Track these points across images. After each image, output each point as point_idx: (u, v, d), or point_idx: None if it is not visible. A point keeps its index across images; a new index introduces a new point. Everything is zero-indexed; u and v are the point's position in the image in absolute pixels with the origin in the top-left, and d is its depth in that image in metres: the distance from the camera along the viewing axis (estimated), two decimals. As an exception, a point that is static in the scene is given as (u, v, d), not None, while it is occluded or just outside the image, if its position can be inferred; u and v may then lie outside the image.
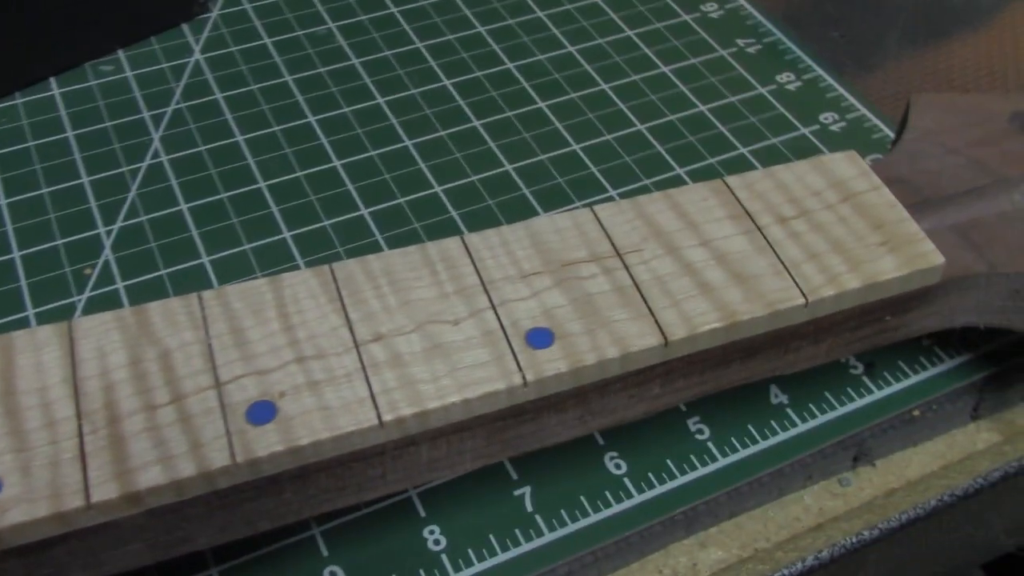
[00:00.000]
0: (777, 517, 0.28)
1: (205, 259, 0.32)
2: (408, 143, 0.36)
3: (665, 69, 0.40)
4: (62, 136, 0.36)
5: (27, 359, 0.22)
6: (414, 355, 0.22)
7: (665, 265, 0.25)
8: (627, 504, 0.27)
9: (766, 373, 0.26)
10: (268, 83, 0.38)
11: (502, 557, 0.26)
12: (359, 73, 0.39)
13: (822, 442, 0.29)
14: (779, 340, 0.26)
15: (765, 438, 0.29)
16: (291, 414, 0.21)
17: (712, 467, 0.28)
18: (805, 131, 0.37)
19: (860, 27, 0.44)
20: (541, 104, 0.38)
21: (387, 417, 0.21)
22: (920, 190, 0.28)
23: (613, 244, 0.25)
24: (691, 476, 0.28)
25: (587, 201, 0.34)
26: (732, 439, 0.28)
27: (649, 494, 0.27)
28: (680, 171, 0.36)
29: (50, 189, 0.34)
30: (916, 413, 0.30)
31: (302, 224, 0.33)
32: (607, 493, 0.27)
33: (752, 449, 0.28)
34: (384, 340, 0.23)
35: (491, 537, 0.26)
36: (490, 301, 0.23)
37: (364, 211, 0.34)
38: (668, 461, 0.28)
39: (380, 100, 0.38)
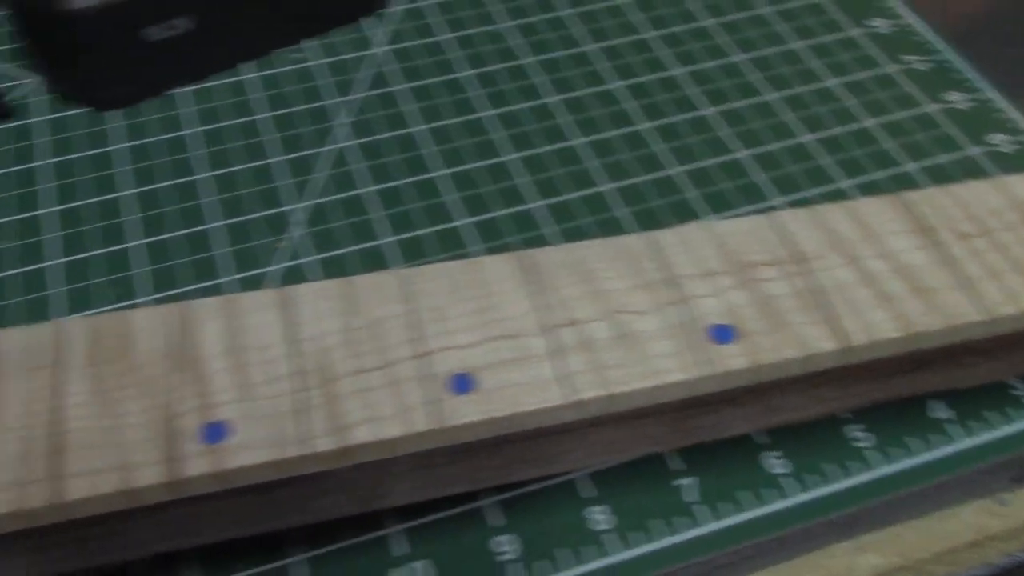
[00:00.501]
0: (935, 530, 0.28)
1: (386, 240, 0.34)
2: (579, 141, 0.37)
3: (831, 82, 0.40)
4: (254, 118, 0.38)
5: (254, 319, 0.24)
6: (603, 342, 0.24)
7: (846, 274, 0.25)
8: (787, 503, 0.28)
9: (938, 386, 0.27)
10: (446, 77, 0.40)
11: (664, 542, 0.27)
12: (533, 71, 0.40)
13: (982, 460, 0.29)
14: (953, 355, 0.26)
15: (926, 451, 0.29)
16: (489, 387, 0.23)
17: (871, 475, 0.28)
18: (973, 151, 0.37)
19: (1031, 50, 0.43)
20: (709, 111, 0.39)
21: (575, 398, 0.23)
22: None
23: (795, 250, 0.26)
24: (850, 482, 0.28)
25: (755, 208, 0.35)
26: (893, 449, 0.29)
27: (809, 495, 0.28)
28: (846, 184, 0.36)
29: (243, 167, 0.36)
30: (1081, 439, 0.30)
31: (477, 212, 0.35)
32: (767, 490, 0.28)
33: (912, 461, 0.29)
34: (575, 326, 0.24)
35: (654, 522, 0.27)
36: (676, 296, 0.25)
37: (534, 204, 0.35)
38: (828, 465, 0.28)
39: (551, 99, 0.39)
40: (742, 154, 0.37)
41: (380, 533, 0.27)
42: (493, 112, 0.38)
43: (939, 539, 0.28)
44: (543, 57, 0.41)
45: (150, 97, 0.39)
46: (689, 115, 0.39)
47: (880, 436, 0.29)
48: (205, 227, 0.34)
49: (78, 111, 0.38)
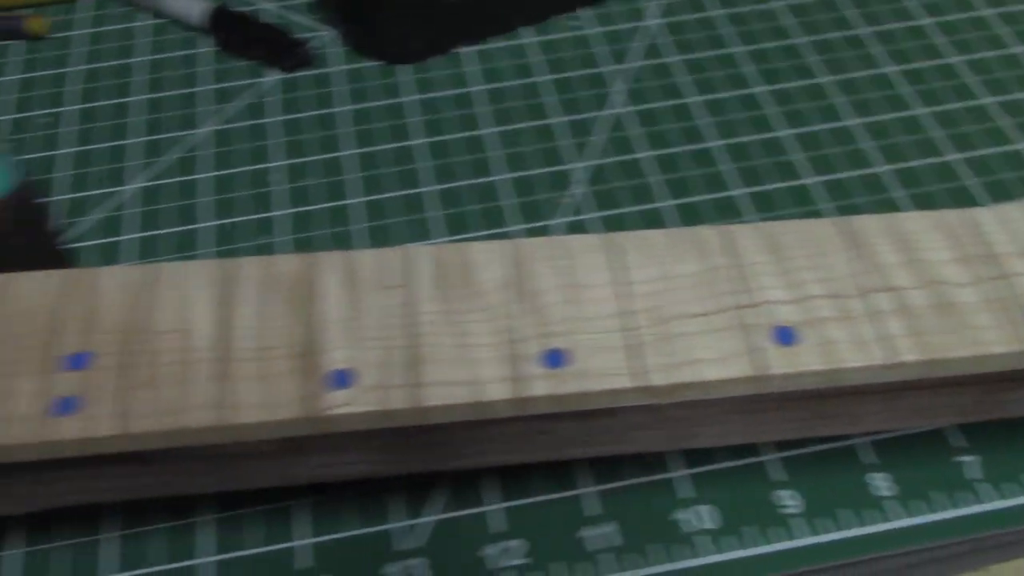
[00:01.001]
0: None
1: (664, 204, 0.35)
2: (853, 122, 0.38)
3: (1114, 80, 0.39)
4: (534, 80, 0.40)
5: (584, 260, 0.25)
6: (921, 309, 0.24)
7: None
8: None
9: None
10: (718, 52, 0.41)
11: (946, 514, 0.27)
12: (806, 51, 0.41)
13: None
14: None
15: None
16: (810, 342, 0.24)
17: None
18: None
19: None
20: (921, 111, 0.39)
21: (897, 360, 0.24)
22: None
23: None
24: None
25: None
26: None
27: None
28: None
29: (526, 125, 0.38)
30: None
31: (751, 184, 0.36)
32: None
33: None
34: (894, 291, 0.25)
35: (936, 494, 0.28)
36: (996, 272, 0.25)
37: (809, 180, 0.36)
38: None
39: (824, 79, 0.40)
40: (956, 157, 0.37)
41: (667, 475, 0.28)
42: (766, 88, 0.39)
43: None
44: (816, 38, 0.41)
45: (437, 54, 0.41)
46: (901, 114, 0.38)
47: None
48: (492, 179, 0.36)
49: (371, 63, 0.41)
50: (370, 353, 0.24)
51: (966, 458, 0.28)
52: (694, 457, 0.29)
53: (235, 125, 0.38)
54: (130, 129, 0.39)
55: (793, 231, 0.26)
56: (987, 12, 0.42)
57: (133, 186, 0.36)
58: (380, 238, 0.34)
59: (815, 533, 0.27)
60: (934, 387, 0.25)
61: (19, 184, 0.30)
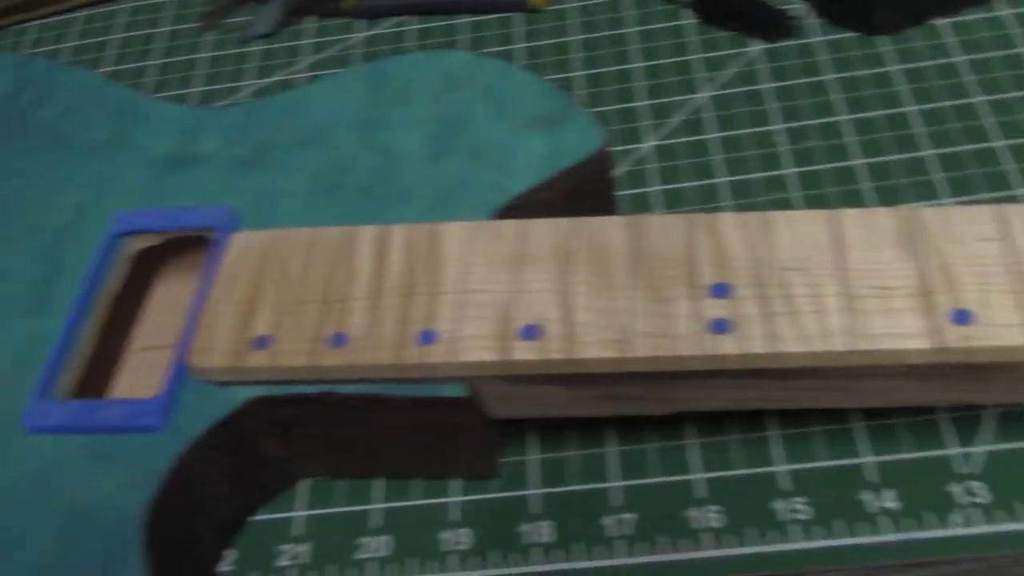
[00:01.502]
0: None
1: None
2: None
3: None
4: (1018, 51, 0.42)
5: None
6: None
7: None
8: None
9: None
10: None
11: None
12: None
13: None
14: None
15: None
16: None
17: None
18: None
19: None
20: None
21: None
22: None
23: None
24: None
25: None
26: None
27: None
28: None
29: (1018, 94, 0.40)
30: None
31: None
32: None
33: None
34: None
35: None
36: None
37: None
38: None
39: None
40: None
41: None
42: None
43: None
44: None
45: (911, 25, 0.44)
46: None
47: None
48: (991, 144, 0.38)
49: (849, 34, 0.44)
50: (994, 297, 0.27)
51: None
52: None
53: (729, 91, 0.42)
54: (636, 93, 0.43)
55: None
56: None
57: (648, 144, 0.41)
58: (887, 198, 0.37)
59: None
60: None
61: (604, 141, 0.35)
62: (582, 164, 0.34)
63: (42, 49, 0.51)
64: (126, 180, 0.37)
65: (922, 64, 0.42)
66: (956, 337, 0.26)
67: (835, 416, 0.32)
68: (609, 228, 0.31)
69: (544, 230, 0.31)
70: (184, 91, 0.48)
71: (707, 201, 0.39)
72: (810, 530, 0.30)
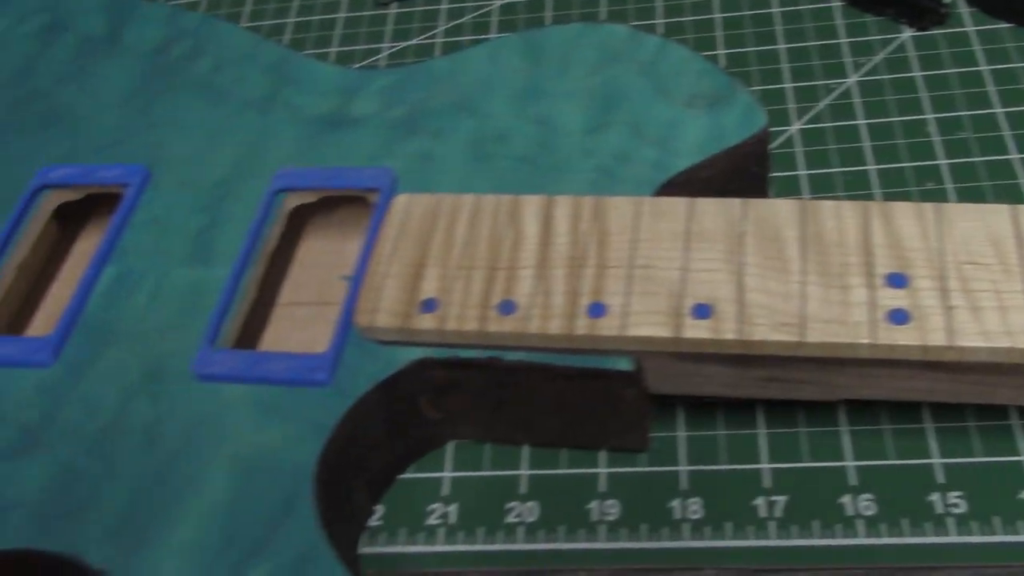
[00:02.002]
0: None
1: None
2: None
3: None
4: None
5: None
6: None
7: None
8: None
9: None
10: None
11: None
12: None
13: None
14: None
15: None
16: None
17: None
18: None
19: None
20: None
21: None
22: None
23: None
24: None
25: None
26: None
27: None
28: None
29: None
30: None
31: None
32: None
33: None
34: None
35: None
36: None
37: None
38: None
39: None
40: None
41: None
42: None
43: None
44: None
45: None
46: None
47: None
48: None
49: (1003, 25, 0.43)
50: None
51: None
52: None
53: (876, 77, 0.42)
54: (781, 75, 0.43)
55: None
56: None
57: (794, 127, 0.41)
58: (1042, 194, 0.37)
59: None
60: None
61: (767, 123, 0.34)
62: (743, 144, 0.34)
63: (181, 1, 0.52)
64: (282, 137, 0.37)
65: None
66: None
67: (994, 412, 0.32)
68: (780, 211, 0.30)
69: (712, 209, 0.31)
70: (320, 51, 0.48)
71: (856, 188, 0.38)
72: (967, 525, 0.30)
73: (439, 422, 0.33)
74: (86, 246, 0.40)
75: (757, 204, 0.31)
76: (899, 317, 0.28)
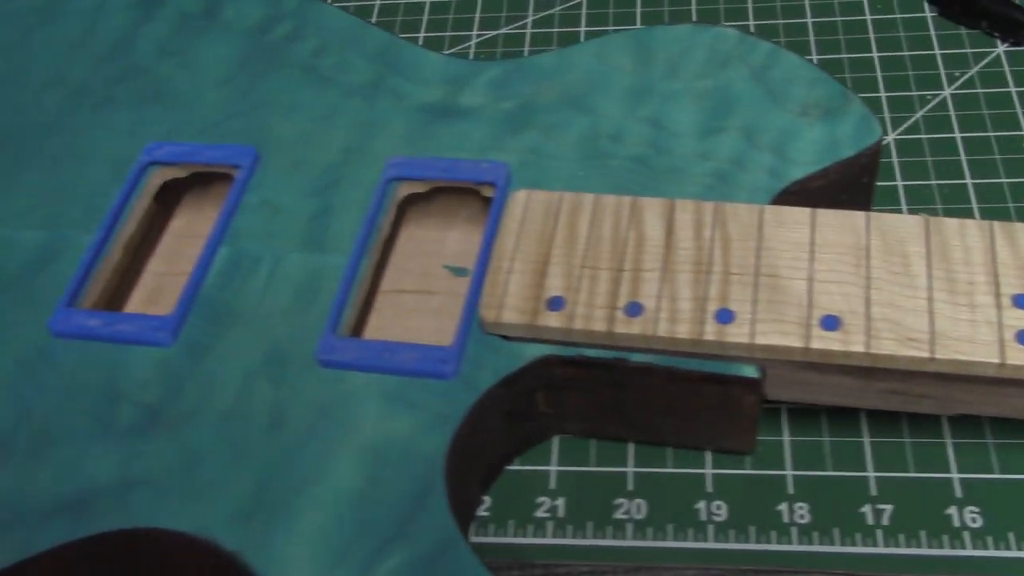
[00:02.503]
0: None
1: None
2: None
3: None
4: None
5: None
6: None
7: None
8: None
9: None
10: None
11: None
12: None
13: None
14: None
15: None
16: None
17: None
18: None
19: None
20: None
21: None
22: None
23: None
24: None
25: None
26: None
27: None
28: None
29: None
30: None
31: None
32: None
33: None
34: None
35: None
36: None
37: None
38: None
39: None
40: None
41: None
42: None
43: None
44: None
45: None
46: None
47: None
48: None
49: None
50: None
51: None
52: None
53: (970, 91, 0.42)
54: (874, 84, 0.43)
55: None
56: None
57: (891, 137, 0.41)
58: None
59: None
60: None
61: (881, 135, 0.35)
62: (858, 156, 0.34)
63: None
64: (390, 125, 0.38)
65: None
66: None
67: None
68: (904, 226, 0.31)
69: (835, 221, 0.31)
70: (407, 36, 0.48)
71: (954, 202, 0.39)
72: (1072, 541, 0.31)
73: (549, 416, 0.33)
74: (179, 224, 0.41)
75: (880, 218, 0.31)
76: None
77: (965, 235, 0.30)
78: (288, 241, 0.35)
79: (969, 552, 0.31)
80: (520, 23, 0.48)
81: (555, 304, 0.31)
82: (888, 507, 0.32)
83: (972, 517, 0.31)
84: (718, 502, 0.33)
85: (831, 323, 0.29)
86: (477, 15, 0.49)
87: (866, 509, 0.32)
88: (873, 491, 0.32)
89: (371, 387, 0.31)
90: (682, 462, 0.34)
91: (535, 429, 0.34)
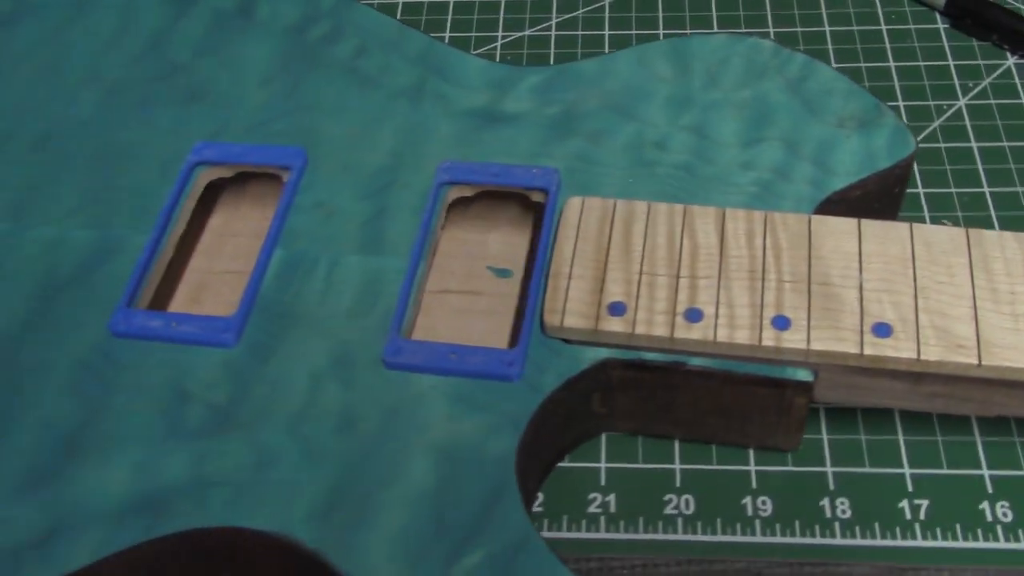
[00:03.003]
0: None
1: None
2: None
3: None
4: None
5: None
6: None
7: None
8: None
9: None
10: None
11: None
12: None
13: None
14: None
15: None
16: None
17: None
18: None
19: None
20: None
21: None
22: None
23: None
24: None
25: None
26: None
27: None
28: None
29: None
30: None
31: None
32: None
33: None
34: None
35: None
36: None
37: None
38: None
39: None
40: None
41: None
42: None
43: None
44: None
45: None
46: None
47: None
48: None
49: (1100, 59, 0.46)
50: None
51: None
52: None
53: (986, 101, 0.44)
54: (888, 93, 0.45)
55: None
56: None
57: (910, 145, 0.43)
58: None
59: None
60: None
61: (916, 147, 0.36)
62: (894, 167, 0.36)
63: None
64: (438, 129, 0.39)
65: None
66: None
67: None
68: (947, 237, 0.33)
69: (880, 231, 0.33)
70: (435, 35, 0.49)
71: (974, 209, 0.41)
72: (1097, 534, 0.33)
73: (602, 416, 0.35)
74: (217, 221, 0.41)
75: (923, 228, 0.33)
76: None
77: (1004, 247, 0.32)
78: (344, 243, 0.36)
79: (1002, 545, 0.33)
80: (544, 25, 0.49)
81: (616, 309, 0.32)
82: (924, 502, 0.34)
83: (1004, 512, 0.33)
84: (763, 497, 0.34)
85: (883, 330, 0.31)
86: (501, 16, 0.50)
87: (904, 504, 0.34)
88: (909, 487, 0.34)
89: (437, 388, 0.32)
90: (727, 459, 0.35)
91: (586, 428, 0.35)
